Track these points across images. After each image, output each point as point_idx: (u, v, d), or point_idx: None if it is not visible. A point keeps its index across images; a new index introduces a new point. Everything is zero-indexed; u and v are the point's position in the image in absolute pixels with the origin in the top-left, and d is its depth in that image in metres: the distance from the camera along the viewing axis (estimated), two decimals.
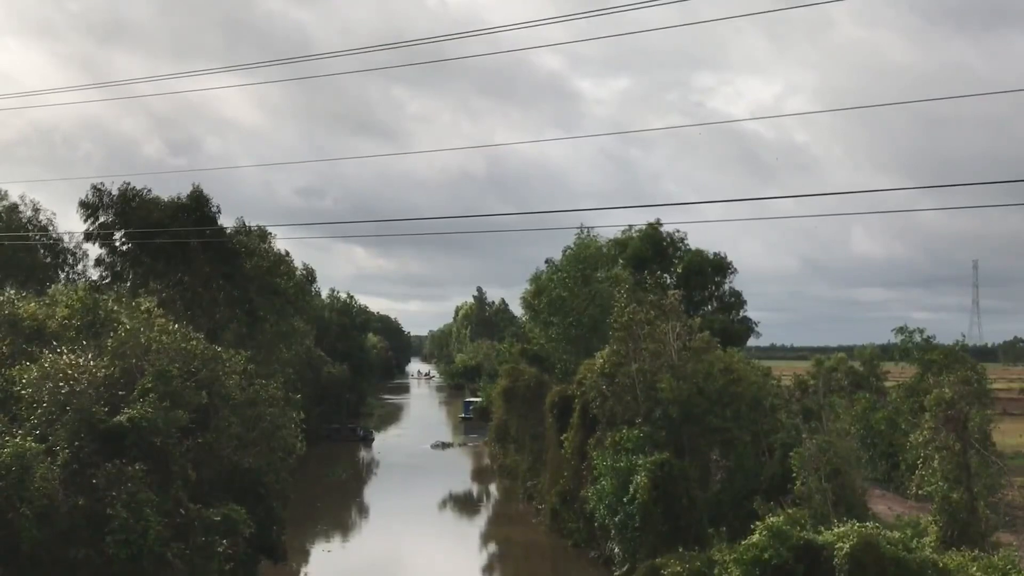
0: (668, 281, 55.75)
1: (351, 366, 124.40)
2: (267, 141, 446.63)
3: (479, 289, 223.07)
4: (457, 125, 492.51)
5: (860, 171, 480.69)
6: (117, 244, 62.87)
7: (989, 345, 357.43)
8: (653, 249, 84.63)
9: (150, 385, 33.10)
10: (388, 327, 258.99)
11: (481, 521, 73.12)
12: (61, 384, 32.35)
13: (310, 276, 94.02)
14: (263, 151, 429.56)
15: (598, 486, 47.07)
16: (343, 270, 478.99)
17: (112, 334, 36.71)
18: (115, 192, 62.41)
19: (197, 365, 36.97)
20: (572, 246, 77.77)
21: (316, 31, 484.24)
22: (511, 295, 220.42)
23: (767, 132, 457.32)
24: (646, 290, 53.91)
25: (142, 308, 42.19)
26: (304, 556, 55.53)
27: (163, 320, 40.22)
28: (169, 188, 64.92)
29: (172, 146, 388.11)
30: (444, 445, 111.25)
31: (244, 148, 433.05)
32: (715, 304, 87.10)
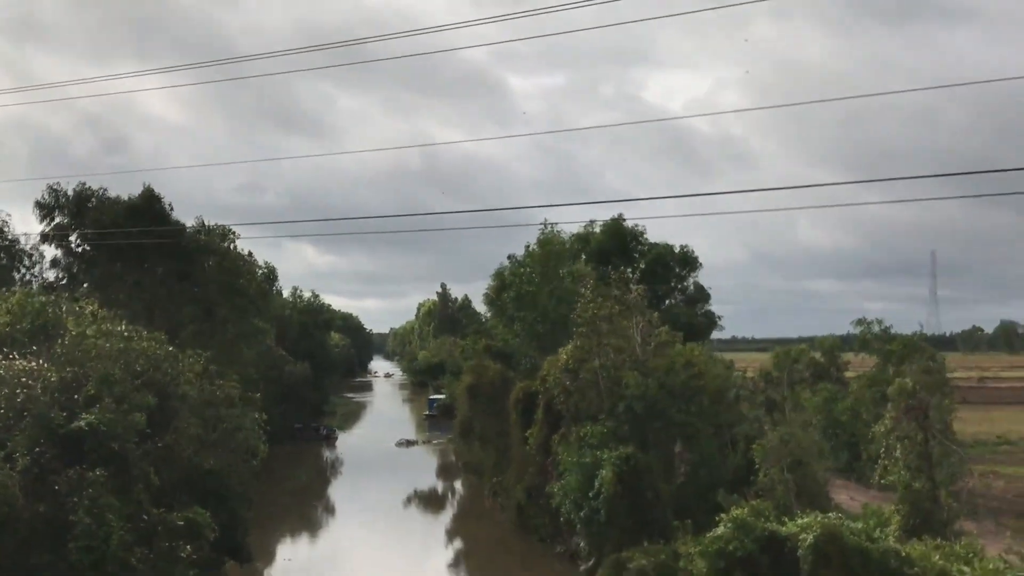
0: (631, 275, 55.79)
1: (313, 365, 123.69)
2: (196, 137, 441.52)
3: (442, 286, 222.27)
4: (388, 120, 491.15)
5: (797, 163, 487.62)
6: (73, 245, 62.28)
7: (948, 334, 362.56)
8: (616, 243, 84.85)
9: (92, 392, 32.53)
10: (350, 325, 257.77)
11: (446, 518, 73.02)
12: (17, 391, 31.83)
13: (271, 275, 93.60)
14: (193, 148, 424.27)
15: (563, 481, 47.17)
16: (294, 268, 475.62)
17: (59, 339, 36.05)
18: (71, 193, 61.85)
19: (143, 366, 36.29)
20: (535, 242, 77.74)
21: (231, 25, 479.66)
22: (469, 291, 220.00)
23: (703, 125, 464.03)
24: (609, 285, 53.94)
25: (86, 311, 41.31)
26: (269, 557, 55.17)
27: (107, 324, 39.25)
28: (104, 187, 63.97)
29: (104, 144, 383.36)
30: (408, 443, 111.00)
31: (173, 145, 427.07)
32: (679, 298, 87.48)
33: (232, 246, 67.71)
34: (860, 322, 68.66)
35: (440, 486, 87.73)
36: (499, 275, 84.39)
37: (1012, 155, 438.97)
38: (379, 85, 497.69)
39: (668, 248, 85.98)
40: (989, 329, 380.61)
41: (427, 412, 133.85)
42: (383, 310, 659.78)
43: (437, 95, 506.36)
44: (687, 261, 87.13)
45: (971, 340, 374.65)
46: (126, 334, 37.77)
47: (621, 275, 53.96)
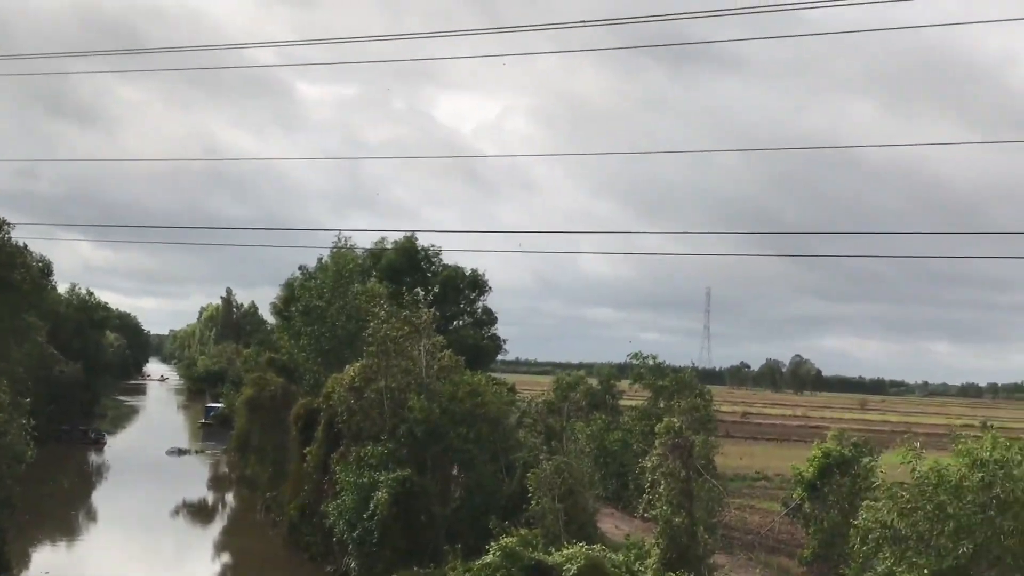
0: (423, 296, 56.49)
1: (86, 365, 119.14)
2: None
3: (228, 291, 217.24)
4: (169, 113, 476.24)
5: (580, 192, 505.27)
6: None
7: (717, 368, 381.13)
8: (407, 262, 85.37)
9: None
10: (126, 325, 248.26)
11: (215, 531, 71.50)
12: None
13: (46, 269, 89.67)
14: None
15: (339, 501, 47.13)
16: (67, 261, 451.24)
17: None
18: None
19: None
20: (328, 255, 77.32)
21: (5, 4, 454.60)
22: (257, 297, 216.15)
23: (490, 148, 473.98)
24: (401, 306, 54.31)
25: None
26: (26, 564, 52.76)
27: None
28: None
29: None
30: (181, 451, 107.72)
31: None
32: (467, 319, 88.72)
33: (6, 237, 64.71)
34: (636, 356, 71.14)
35: (211, 498, 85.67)
36: (289, 286, 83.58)
37: (777, 199, 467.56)
38: (160, 77, 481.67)
39: (459, 271, 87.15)
40: (755, 366, 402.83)
41: (203, 420, 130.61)
42: (163, 310, 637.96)
43: (222, 93, 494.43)
44: (477, 284, 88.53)
45: (738, 376, 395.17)
46: None
47: (414, 297, 54.57)
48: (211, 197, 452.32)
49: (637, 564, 32.98)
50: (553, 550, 33.66)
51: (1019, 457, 28.01)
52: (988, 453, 27.91)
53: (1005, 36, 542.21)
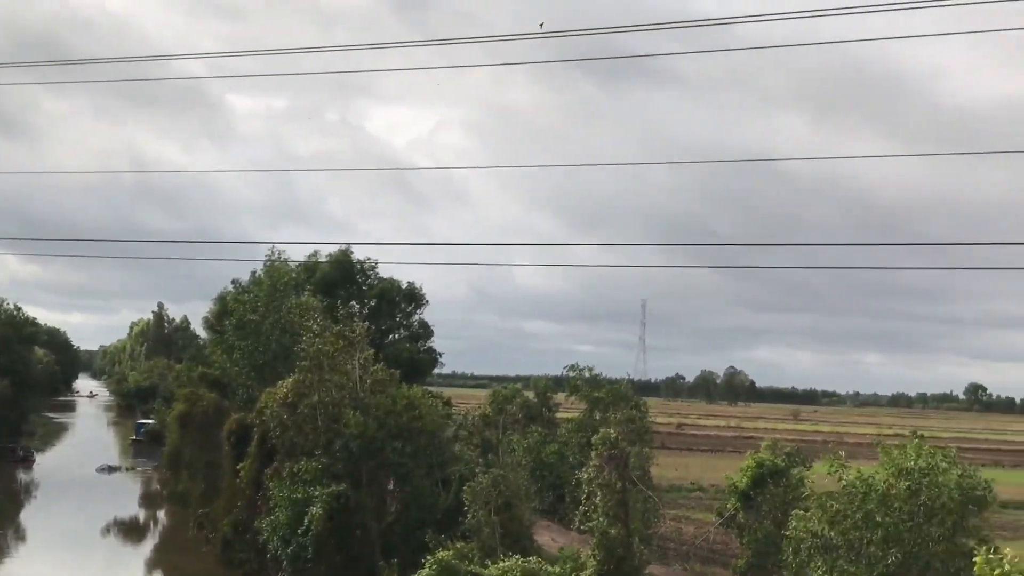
0: (358, 310, 56.10)
1: (13, 381, 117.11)
2: None
3: (159, 305, 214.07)
4: (96, 125, 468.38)
5: (515, 206, 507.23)
6: None
7: (653, 380, 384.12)
8: (342, 275, 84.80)
9: None
10: (55, 340, 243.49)
11: (147, 549, 70.48)
12: None
13: None
14: None
15: (272, 516, 46.70)
16: None
17: None
18: None
19: None
20: (262, 269, 76.50)
21: None
22: (189, 311, 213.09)
23: (424, 161, 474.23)
24: (336, 320, 53.95)
25: None
26: None
27: None
28: None
29: None
30: (111, 469, 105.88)
31: None
32: (403, 333, 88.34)
33: None
34: (572, 368, 71.31)
35: (143, 516, 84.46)
36: (222, 300, 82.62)
37: (711, 212, 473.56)
38: (87, 89, 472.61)
39: (394, 284, 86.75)
40: (690, 378, 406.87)
41: (134, 437, 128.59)
42: (92, 326, 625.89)
43: (150, 106, 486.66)
44: (413, 297, 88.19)
45: (673, 387, 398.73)
46: None
47: (348, 311, 54.26)
48: (140, 210, 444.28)
49: (573, 575, 33.08)
50: (489, 563, 33.62)
51: (944, 464, 28.58)
52: (913, 462, 28.43)
53: (932, 51, 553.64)
